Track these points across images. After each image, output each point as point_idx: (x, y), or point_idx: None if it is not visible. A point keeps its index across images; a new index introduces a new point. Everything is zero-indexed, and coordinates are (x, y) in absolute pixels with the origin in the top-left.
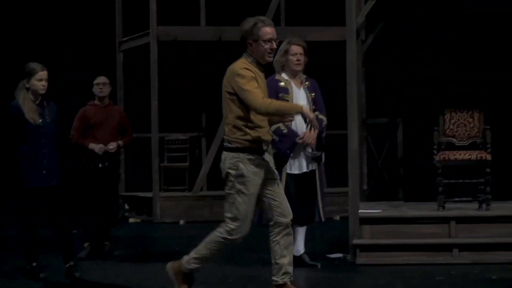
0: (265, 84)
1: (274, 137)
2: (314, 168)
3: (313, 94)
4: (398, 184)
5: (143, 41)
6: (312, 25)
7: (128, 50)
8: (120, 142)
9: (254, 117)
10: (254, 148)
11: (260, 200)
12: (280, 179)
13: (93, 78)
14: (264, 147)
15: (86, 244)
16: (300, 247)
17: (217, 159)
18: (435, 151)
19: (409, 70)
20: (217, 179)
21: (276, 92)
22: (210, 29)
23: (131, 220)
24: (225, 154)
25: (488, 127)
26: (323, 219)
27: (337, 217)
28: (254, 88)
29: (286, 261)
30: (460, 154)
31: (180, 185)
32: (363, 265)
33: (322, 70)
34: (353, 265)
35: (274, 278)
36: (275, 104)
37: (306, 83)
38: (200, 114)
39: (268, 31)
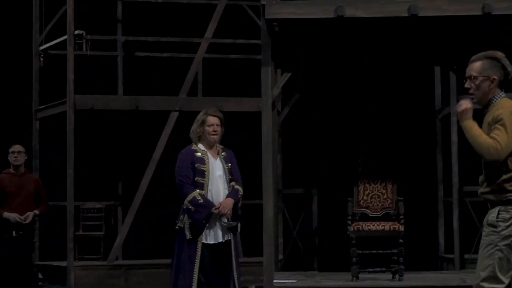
0: None
1: (190, 207)
2: (229, 238)
3: (229, 165)
4: (313, 254)
5: (59, 109)
6: (228, 96)
7: (44, 118)
8: (36, 211)
9: None
10: None
11: None
12: (196, 249)
13: (8, 146)
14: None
15: None
16: None
17: (133, 228)
18: (349, 222)
19: (323, 142)
20: (133, 248)
21: (192, 162)
22: (127, 98)
23: None
24: None
25: (401, 198)
26: None
27: (253, 287)
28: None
29: None
30: (373, 225)
31: (95, 254)
32: None
33: (239, 141)
34: None
35: None
36: None
37: (223, 153)
38: (117, 183)
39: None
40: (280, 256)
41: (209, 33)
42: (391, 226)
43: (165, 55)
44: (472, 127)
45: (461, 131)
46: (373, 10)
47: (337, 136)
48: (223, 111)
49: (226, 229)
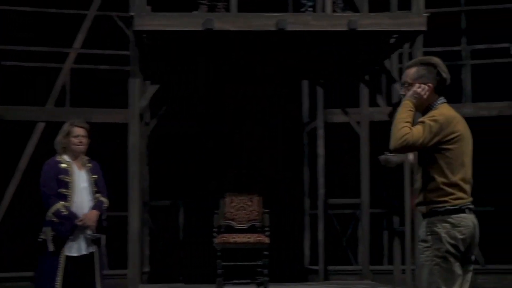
0: None
1: (54, 219)
2: (93, 250)
3: (95, 176)
4: (179, 266)
5: None
6: (96, 107)
7: None
8: None
9: None
10: None
11: None
12: (58, 262)
13: None
14: None
15: None
16: None
17: None
18: (214, 234)
19: (191, 154)
20: None
21: (57, 173)
22: None
23: None
24: None
25: (267, 210)
26: None
27: None
28: None
29: None
30: (239, 237)
31: None
32: None
33: (106, 152)
34: None
35: None
36: None
37: (88, 165)
38: None
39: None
40: (146, 269)
41: (78, 43)
42: (257, 238)
43: (32, 64)
44: (405, 109)
45: (327, 145)
46: (241, 24)
47: (205, 148)
48: (90, 122)
49: (90, 241)
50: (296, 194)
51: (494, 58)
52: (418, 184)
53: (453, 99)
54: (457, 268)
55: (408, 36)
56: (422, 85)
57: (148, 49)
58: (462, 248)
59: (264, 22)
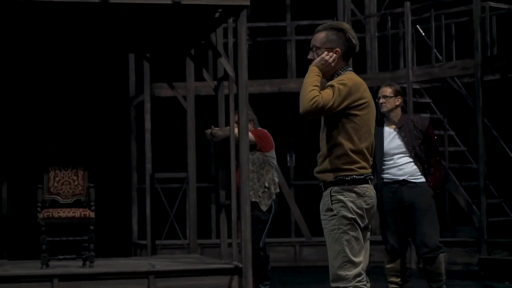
0: None
1: None
2: None
3: None
4: (2, 242)
5: None
6: None
7: None
8: None
9: None
10: None
11: None
12: None
13: None
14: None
15: None
16: None
17: None
18: (39, 209)
19: (12, 127)
20: None
21: None
22: None
23: None
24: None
25: (92, 185)
26: None
27: None
28: None
29: None
30: (64, 212)
31: None
32: None
33: None
34: None
35: None
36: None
37: None
38: None
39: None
40: None
41: None
42: (82, 213)
43: None
44: (312, 73)
45: (154, 119)
46: None
47: (26, 121)
48: None
49: None
50: (124, 168)
51: None
52: (323, 150)
53: (279, 74)
54: (361, 238)
55: (233, 11)
56: (331, 53)
57: None
58: (366, 218)
59: None
